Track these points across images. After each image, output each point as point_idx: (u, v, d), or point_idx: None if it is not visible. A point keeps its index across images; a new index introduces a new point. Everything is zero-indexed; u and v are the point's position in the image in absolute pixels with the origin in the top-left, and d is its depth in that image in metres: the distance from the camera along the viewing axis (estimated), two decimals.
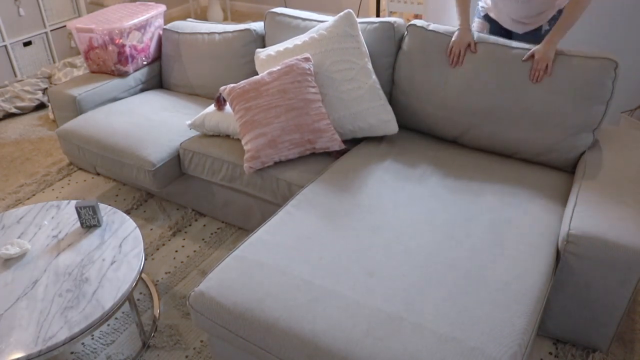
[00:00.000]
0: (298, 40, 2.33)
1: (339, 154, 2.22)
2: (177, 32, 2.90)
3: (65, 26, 4.37)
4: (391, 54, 2.34)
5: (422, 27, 2.28)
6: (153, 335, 1.97)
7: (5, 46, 3.97)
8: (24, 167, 3.10)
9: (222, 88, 2.23)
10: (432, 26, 2.27)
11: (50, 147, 3.31)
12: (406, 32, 2.32)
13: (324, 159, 2.20)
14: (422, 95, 2.27)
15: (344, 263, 1.59)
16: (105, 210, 2.02)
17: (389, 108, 2.21)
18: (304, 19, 2.53)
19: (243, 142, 2.15)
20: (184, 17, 5.80)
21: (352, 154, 2.20)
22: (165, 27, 2.99)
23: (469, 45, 2.14)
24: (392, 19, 2.35)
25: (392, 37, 2.32)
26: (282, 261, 1.60)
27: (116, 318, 2.05)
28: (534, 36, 2.29)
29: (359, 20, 2.40)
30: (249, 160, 2.12)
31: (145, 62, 2.98)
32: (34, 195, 2.83)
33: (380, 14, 4.28)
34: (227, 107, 2.36)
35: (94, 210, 1.91)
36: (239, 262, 1.61)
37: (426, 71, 2.24)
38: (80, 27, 2.86)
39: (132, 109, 2.67)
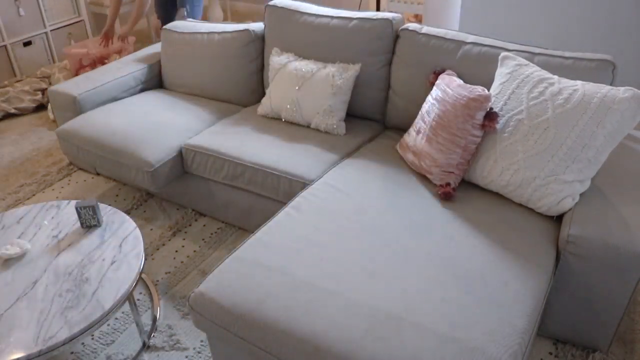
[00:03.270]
0: None
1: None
2: (177, 32, 2.90)
3: (65, 26, 4.37)
4: (388, 51, 2.35)
5: (414, 31, 2.28)
6: (153, 335, 1.97)
7: (5, 46, 3.97)
8: (24, 167, 3.10)
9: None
10: (425, 29, 2.28)
11: (50, 147, 3.31)
12: (399, 37, 2.32)
13: (323, 155, 2.20)
14: (418, 99, 2.27)
15: (344, 264, 1.59)
16: (105, 210, 2.02)
17: None
18: (310, 14, 2.51)
19: None
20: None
21: (354, 156, 2.20)
22: (165, 27, 2.99)
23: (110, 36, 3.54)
24: (389, 15, 2.34)
25: (389, 34, 2.33)
26: (282, 262, 1.60)
27: (116, 318, 2.05)
28: None
29: (355, 14, 2.40)
30: None
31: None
32: (34, 195, 2.83)
33: None
34: None
35: (94, 210, 1.91)
36: (239, 263, 1.61)
37: (420, 74, 2.24)
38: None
39: (131, 109, 2.67)
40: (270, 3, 2.63)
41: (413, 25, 2.31)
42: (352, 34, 2.38)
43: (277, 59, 2.51)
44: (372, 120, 2.52)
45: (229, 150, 2.29)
